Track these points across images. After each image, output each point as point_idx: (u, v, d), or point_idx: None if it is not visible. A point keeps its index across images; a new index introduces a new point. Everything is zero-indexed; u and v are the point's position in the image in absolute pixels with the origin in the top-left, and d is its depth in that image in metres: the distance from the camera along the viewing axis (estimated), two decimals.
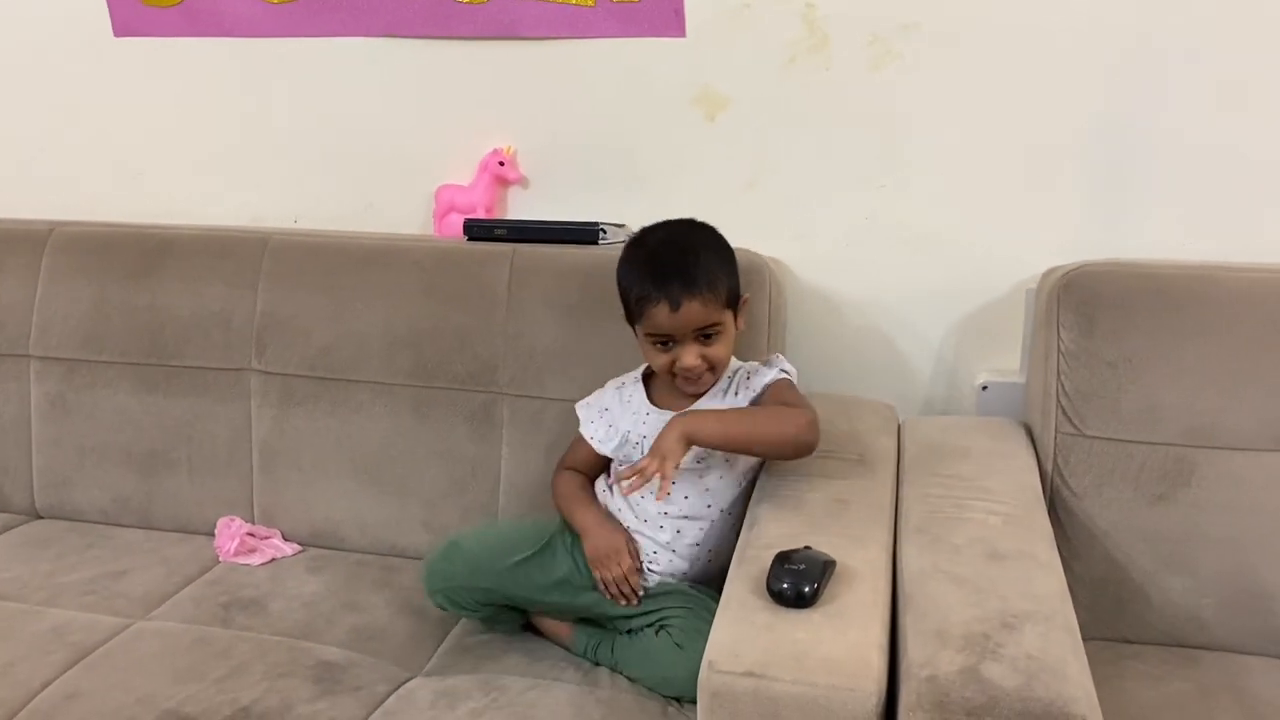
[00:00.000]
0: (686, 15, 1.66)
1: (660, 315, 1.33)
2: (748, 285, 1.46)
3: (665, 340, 1.36)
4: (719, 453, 1.39)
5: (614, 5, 1.68)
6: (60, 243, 1.82)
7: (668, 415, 1.41)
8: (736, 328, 1.41)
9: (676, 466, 1.28)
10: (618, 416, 1.46)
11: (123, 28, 1.88)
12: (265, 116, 1.88)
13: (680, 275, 1.33)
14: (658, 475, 1.26)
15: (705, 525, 1.40)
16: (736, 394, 1.42)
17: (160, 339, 1.75)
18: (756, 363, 1.47)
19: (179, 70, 1.89)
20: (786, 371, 1.43)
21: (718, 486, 1.41)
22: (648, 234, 1.43)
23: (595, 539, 1.40)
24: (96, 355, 1.77)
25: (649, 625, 1.35)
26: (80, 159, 1.98)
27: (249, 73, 1.86)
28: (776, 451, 1.36)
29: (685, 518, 1.41)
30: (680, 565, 1.41)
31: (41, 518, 1.82)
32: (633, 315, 1.39)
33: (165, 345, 1.75)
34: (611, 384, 1.51)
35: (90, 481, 1.78)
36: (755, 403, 1.41)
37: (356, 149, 1.86)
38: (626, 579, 1.38)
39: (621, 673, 1.35)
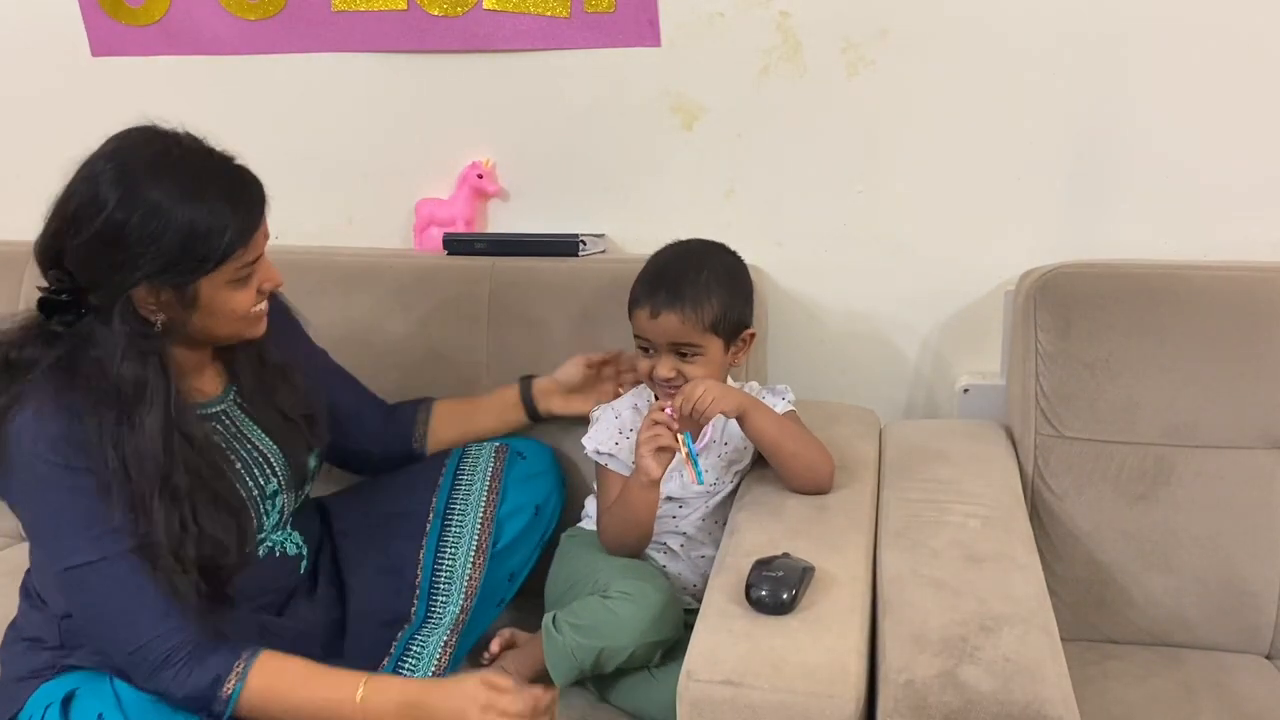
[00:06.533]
0: (661, 25, 1.66)
1: (641, 319, 1.36)
2: None
3: (646, 346, 1.38)
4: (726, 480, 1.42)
5: (589, 16, 1.68)
6: None
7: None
8: (735, 360, 1.41)
9: (714, 416, 1.29)
10: (627, 422, 1.45)
11: (100, 47, 1.89)
12: (244, 134, 1.84)
13: (669, 287, 1.34)
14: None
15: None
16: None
17: None
18: (757, 384, 1.47)
19: (157, 89, 1.89)
20: (792, 404, 1.44)
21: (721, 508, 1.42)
22: (671, 244, 1.44)
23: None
24: None
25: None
26: (60, 180, 1.97)
27: (227, 90, 1.86)
28: (801, 478, 1.36)
29: (689, 537, 1.43)
30: (690, 579, 1.42)
31: (25, 540, 1.81)
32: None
33: None
34: (627, 396, 1.49)
35: None
36: None
37: (336, 165, 1.86)
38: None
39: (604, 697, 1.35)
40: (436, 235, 1.76)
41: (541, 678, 1.30)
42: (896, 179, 1.66)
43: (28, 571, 1.30)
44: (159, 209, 1.13)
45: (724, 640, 1.06)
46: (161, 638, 1.11)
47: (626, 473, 1.41)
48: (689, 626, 1.15)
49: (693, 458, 1.31)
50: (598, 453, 1.44)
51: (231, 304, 1.22)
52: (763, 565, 1.13)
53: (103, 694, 1.12)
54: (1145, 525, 1.40)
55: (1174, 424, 1.39)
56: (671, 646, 1.28)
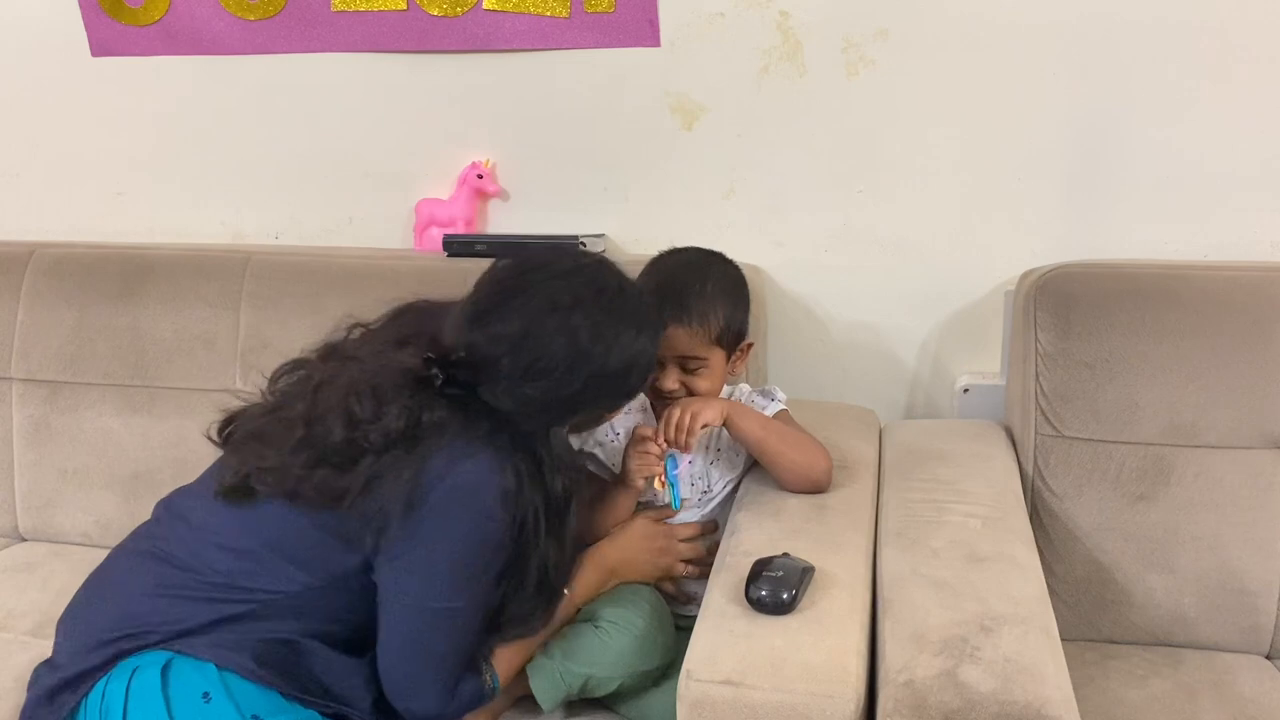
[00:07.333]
0: (661, 25, 1.66)
1: None
2: None
3: None
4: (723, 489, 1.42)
5: (589, 16, 1.68)
6: (41, 265, 1.81)
7: (670, 453, 1.40)
8: (734, 370, 1.41)
9: (704, 427, 1.31)
10: (619, 423, 1.44)
11: (100, 47, 1.89)
12: (244, 134, 1.89)
13: (676, 300, 1.33)
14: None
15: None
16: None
17: (143, 360, 1.74)
18: (748, 387, 1.47)
19: (157, 89, 1.89)
20: (783, 404, 1.44)
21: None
22: (671, 253, 1.43)
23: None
24: (79, 377, 1.76)
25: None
26: (59, 180, 1.98)
27: (227, 90, 1.86)
28: (792, 478, 1.36)
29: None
30: (692, 586, 1.42)
31: (25, 540, 1.81)
32: None
33: (148, 367, 1.74)
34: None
35: (73, 504, 1.77)
36: None
37: (336, 164, 1.86)
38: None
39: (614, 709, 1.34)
40: (436, 235, 1.76)
41: (527, 697, 1.30)
42: (897, 179, 1.66)
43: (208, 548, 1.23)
44: (636, 360, 1.20)
45: (724, 640, 1.06)
46: (456, 680, 1.20)
47: (604, 474, 1.43)
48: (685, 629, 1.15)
49: (672, 485, 1.34)
50: (580, 450, 1.44)
51: (608, 419, 1.32)
52: (763, 565, 1.13)
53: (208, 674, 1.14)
54: (1145, 525, 1.39)
55: (1174, 424, 1.39)
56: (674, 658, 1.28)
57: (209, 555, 1.20)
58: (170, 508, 1.30)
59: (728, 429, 1.35)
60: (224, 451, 1.26)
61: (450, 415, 1.15)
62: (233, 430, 1.28)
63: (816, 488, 1.36)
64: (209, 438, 1.29)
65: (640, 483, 1.34)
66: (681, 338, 1.33)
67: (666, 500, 1.37)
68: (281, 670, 1.16)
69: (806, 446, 1.37)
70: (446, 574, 1.16)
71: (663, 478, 1.33)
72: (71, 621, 1.26)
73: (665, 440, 1.32)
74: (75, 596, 1.29)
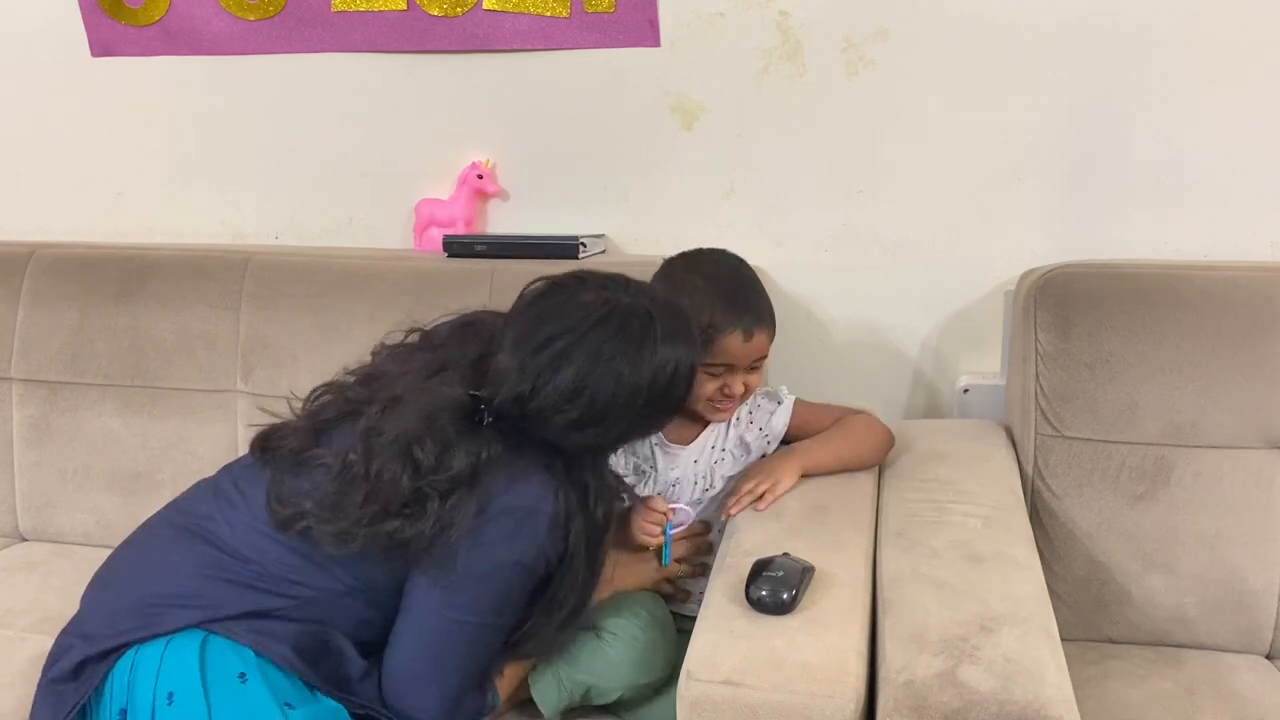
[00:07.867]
0: (661, 25, 1.66)
1: (734, 343, 1.33)
2: None
3: (721, 368, 1.35)
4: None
5: (589, 16, 1.68)
6: (41, 265, 1.81)
7: (674, 450, 1.42)
8: None
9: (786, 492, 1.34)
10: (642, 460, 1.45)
11: (100, 48, 1.89)
12: (244, 134, 1.89)
13: (753, 306, 1.36)
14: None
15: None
16: (737, 423, 1.43)
17: (144, 361, 1.74)
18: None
19: (157, 90, 1.89)
20: (792, 399, 1.45)
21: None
22: (700, 262, 1.41)
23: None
24: (79, 378, 1.77)
25: None
26: (59, 180, 1.98)
27: (227, 90, 1.86)
28: (877, 459, 1.44)
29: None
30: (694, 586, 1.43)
31: (25, 540, 1.81)
32: None
33: (148, 367, 1.74)
34: None
35: (73, 504, 1.77)
36: (788, 438, 1.44)
37: (336, 164, 1.86)
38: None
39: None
40: (436, 235, 1.76)
41: (528, 701, 1.30)
42: (896, 179, 1.66)
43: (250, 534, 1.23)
44: (678, 373, 1.19)
45: (724, 640, 1.06)
46: (462, 694, 1.21)
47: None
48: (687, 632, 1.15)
49: (666, 544, 1.36)
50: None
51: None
52: (763, 565, 1.13)
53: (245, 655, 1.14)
54: (1145, 525, 1.39)
55: (1174, 424, 1.39)
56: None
57: (262, 545, 1.20)
58: (218, 490, 1.28)
59: (810, 475, 1.38)
60: (269, 470, 1.24)
61: (506, 448, 1.17)
62: (269, 444, 1.27)
63: (891, 446, 1.45)
64: (251, 454, 1.29)
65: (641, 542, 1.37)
66: (763, 341, 1.36)
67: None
68: (314, 663, 1.17)
69: (866, 430, 1.43)
70: (489, 591, 1.17)
71: (661, 539, 1.36)
72: (107, 588, 1.25)
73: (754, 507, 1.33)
74: (110, 563, 1.29)
